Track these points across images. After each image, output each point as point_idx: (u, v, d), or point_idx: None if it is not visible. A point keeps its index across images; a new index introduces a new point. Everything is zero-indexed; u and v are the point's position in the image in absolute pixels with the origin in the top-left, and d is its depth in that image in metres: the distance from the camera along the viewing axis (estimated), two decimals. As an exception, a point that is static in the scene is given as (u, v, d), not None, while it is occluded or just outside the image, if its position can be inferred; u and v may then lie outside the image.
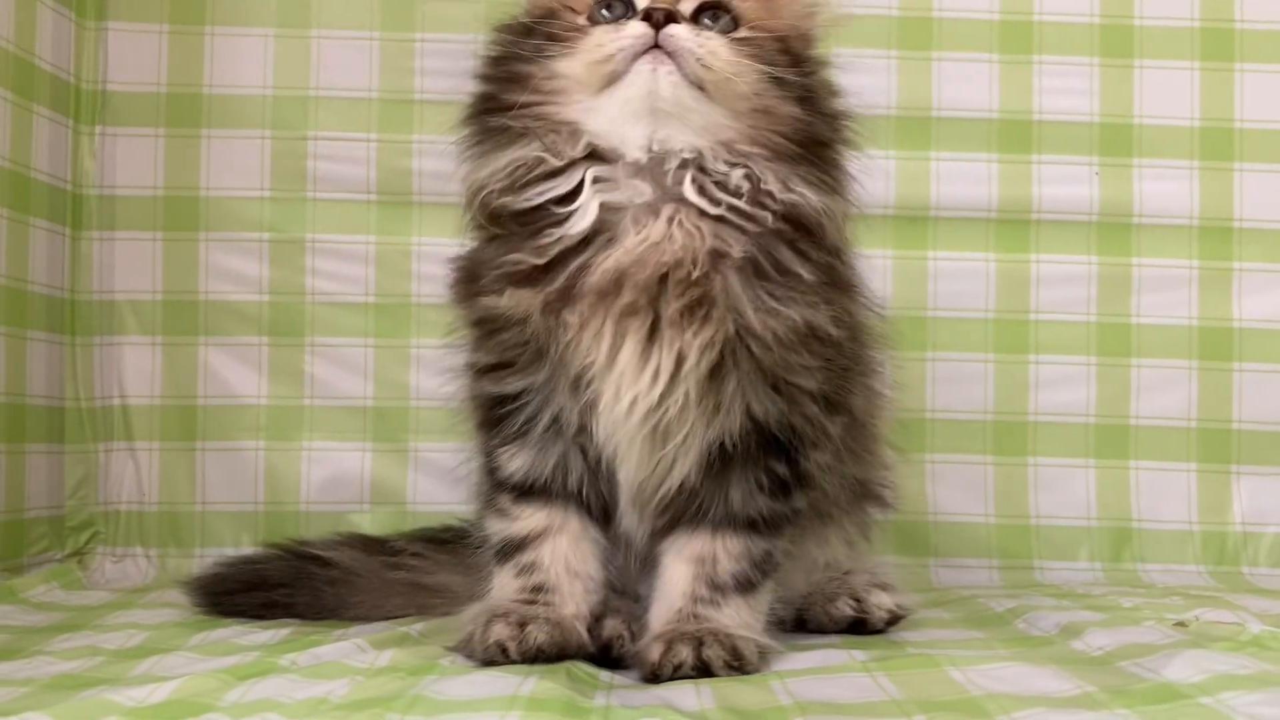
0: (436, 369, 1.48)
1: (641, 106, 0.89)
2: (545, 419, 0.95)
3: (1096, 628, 1.04)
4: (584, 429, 0.94)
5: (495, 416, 0.98)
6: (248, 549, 1.39)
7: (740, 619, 0.94)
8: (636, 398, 0.90)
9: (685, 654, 0.89)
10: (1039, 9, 1.58)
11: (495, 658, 0.91)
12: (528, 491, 0.98)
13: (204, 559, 1.48)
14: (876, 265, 1.53)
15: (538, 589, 0.96)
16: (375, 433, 1.53)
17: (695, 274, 0.87)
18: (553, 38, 0.93)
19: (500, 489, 0.99)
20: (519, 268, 0.90)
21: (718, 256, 0.88)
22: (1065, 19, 1.58)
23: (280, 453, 1.52)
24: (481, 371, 0.97)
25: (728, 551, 0.95)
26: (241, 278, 1.53)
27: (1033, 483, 1.55)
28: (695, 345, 0.89)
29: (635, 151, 0.90)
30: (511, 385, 0.95)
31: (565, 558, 0.97)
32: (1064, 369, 1.56)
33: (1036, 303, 1.56)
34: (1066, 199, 1.57)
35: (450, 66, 1.53)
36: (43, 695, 0.83)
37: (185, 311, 1.52)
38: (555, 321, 0.90)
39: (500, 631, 0.91)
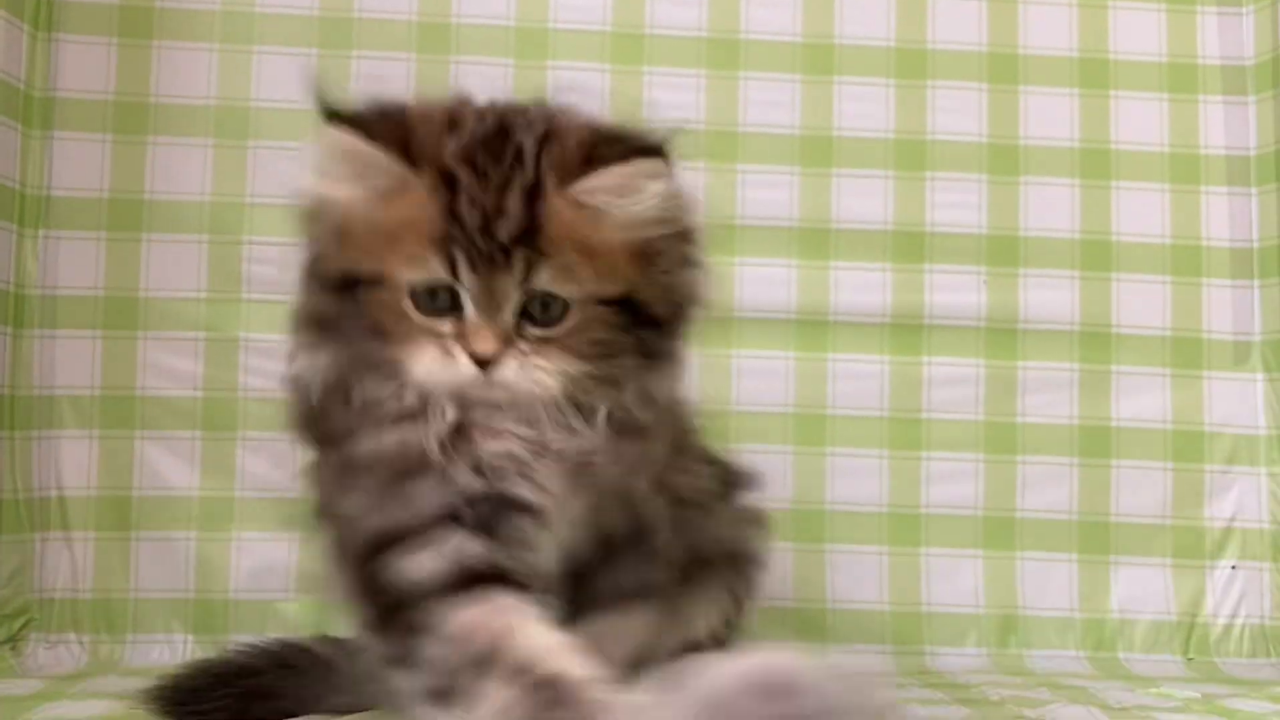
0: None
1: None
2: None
3: (957, 724, 1.14)
4: None
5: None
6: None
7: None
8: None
9: None
10: (931, 129, 1.70)
11: None
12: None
13: (135, 645, 1.55)
14: (778, 366, 1.65)
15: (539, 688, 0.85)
16: (302, 523, 1.59)
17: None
18: (373, 314, 0.90)
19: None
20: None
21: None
22: (956, 139, 1.70)
23: (211, 542, 1.58)
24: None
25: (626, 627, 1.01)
26: (177, 374, 1.60)
27: (924, 571, 1.65)
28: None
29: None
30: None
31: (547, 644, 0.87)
32: (954, 465, 1.67)
33: (928, 402, 1.67)
34: (956, 305, 1.68)
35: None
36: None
37: (122, 406, 1.60)
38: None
39: None
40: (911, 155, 1.69)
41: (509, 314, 0.88)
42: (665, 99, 1.67)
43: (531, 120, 0.92)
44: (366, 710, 1.15)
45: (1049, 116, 1.72)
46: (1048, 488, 1.67)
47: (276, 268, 1.61)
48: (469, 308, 0.88)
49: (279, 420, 1.60)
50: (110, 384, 1.60)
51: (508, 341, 0.88)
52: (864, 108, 1.70)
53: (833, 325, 1.67)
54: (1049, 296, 1.69)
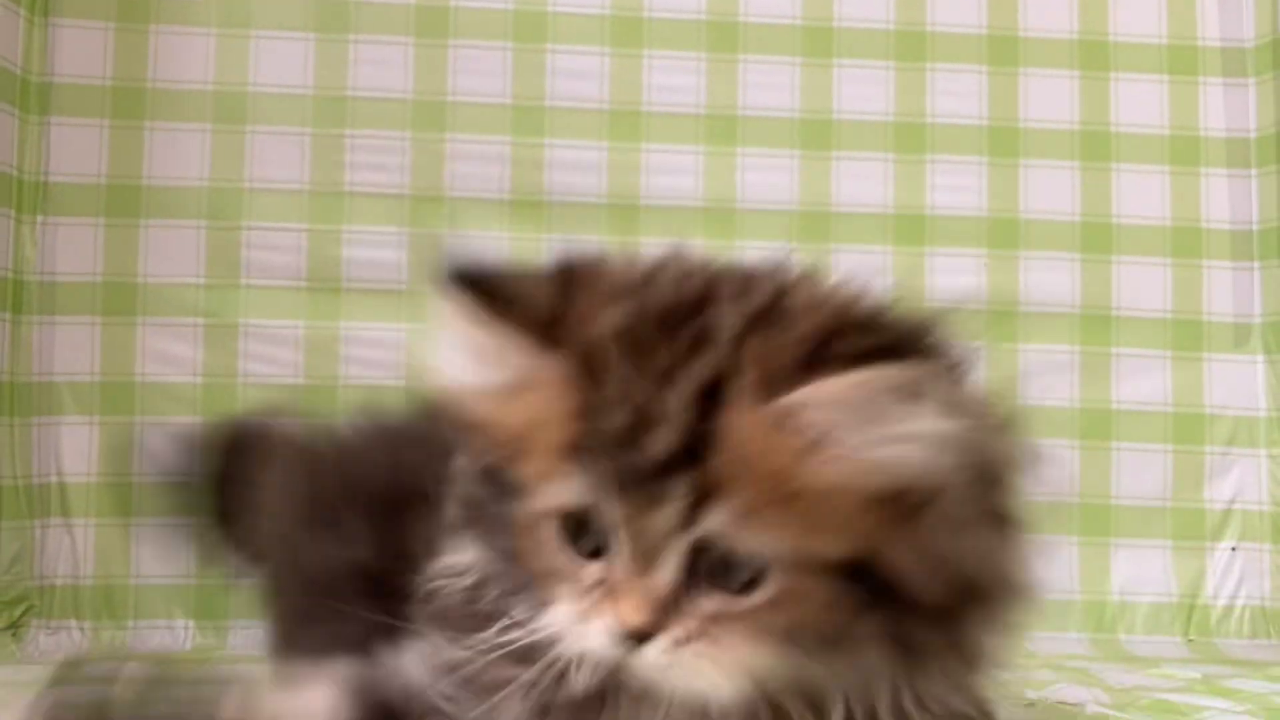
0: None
1: None
2: None
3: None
4: None
5: None
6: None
7: None
8: None
9: None
10: (930, 112, 1.70)
11: None
12: None
13: (136, 630, 1.55)
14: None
15: None
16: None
17: None
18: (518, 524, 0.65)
19: None
20: None
21: None
22: (956, 121, 1.70)
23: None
24: None
25: None
26: (176, 360, 1.60)
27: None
28: None
29: None
30: None
31: None
32: (955, 448, 1.66)
33: (930, 385, 1.66)
34: (957, 289, 1.67)
35: (380, 161, 1.64)
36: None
37: (122, 392, 1.59)
38: None
39: None
40: (911, 138, 1.69)
41: (669, 570, 0.60)
42: (664, 82, 1.67)
43: (750, 287, 0.65)
44: None
45: (1049, 98, 1.71)
46: (1049, 469, 1.66)
47: (276, 253, 1.62)
48: (620, 553, 0.60)
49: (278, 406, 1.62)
50: (110, 370, 1.59)
51: (664, 610, 0.60)
52: (863, 90, 1.69)
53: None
54: (1049, 279, 1.69)
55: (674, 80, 1.67)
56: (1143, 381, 1.69)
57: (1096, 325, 1.69)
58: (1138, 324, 1.70)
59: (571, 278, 0.66)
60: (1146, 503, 1.67)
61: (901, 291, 0.66)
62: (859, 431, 0.58)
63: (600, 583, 0.61)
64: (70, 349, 1.59)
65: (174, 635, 1.55)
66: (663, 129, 1.67)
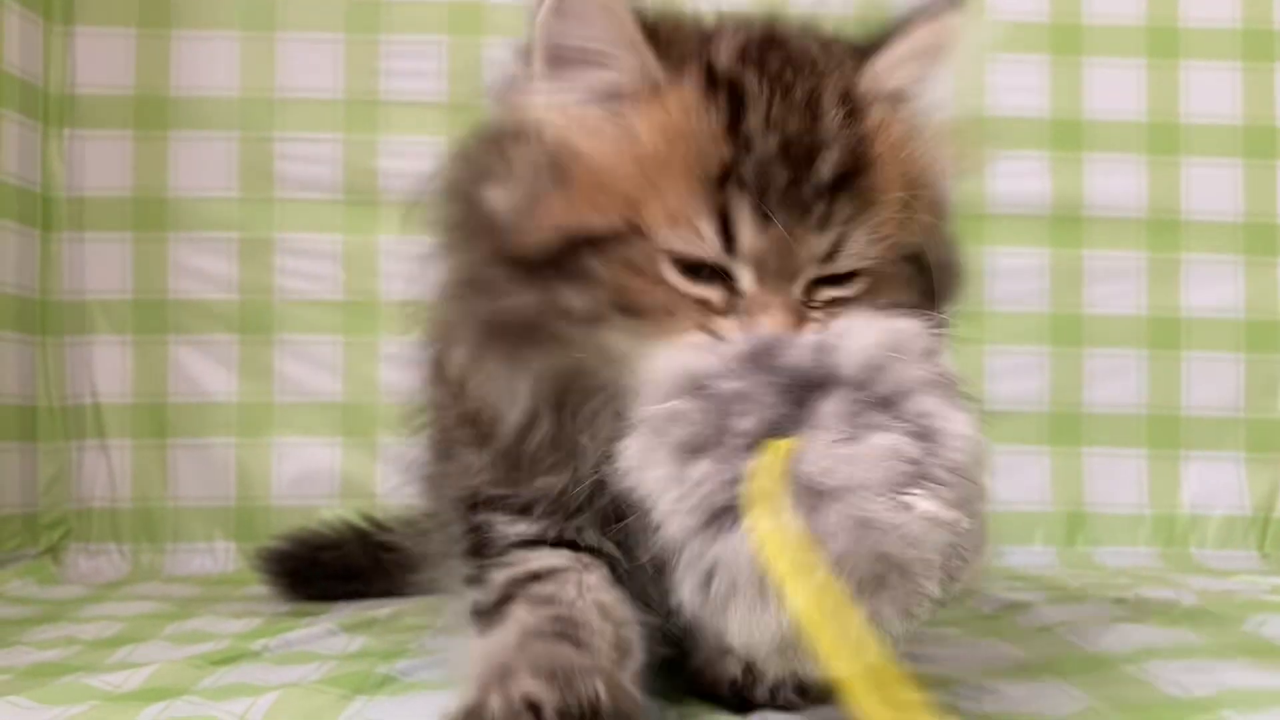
0: (405, 364, 1.53)
1: None
2: None
3: (1044, 605, 1.09)
4: None
5: None
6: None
7: None
8: None
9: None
10: (993, 8, 1.62)
11: None
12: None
13: (176, 554, 1.51)
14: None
15: (562, 621, 0.69)
16: (345, 427, 1.55)
17: None
18: (618, 291, 0.63)
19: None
20: None
21: None
22: (1019, 19, 1.62)
23: (251, 448, 1.54)
24: None
25: None
26: (211, 277, 1.55)
27: (989, 468, 1.59)
28: None
29: None
30: None
31: (598, 596, 0.72)
32: (1019, 359, 1.60)
33: (991, 294, 1.60)
34: (1019, 194, 1.61)
35: (415, 67, 1.58)
36: (22, 681, 0.86)
37: (155, 310, 1.54)
38: None
39: (527, 686, 0.63)
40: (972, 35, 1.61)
41: (801, 286, 0.63)
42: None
43: (797, 30, 0.69)
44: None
45: (1113, -8, 1.63)
46: (1115, 381, 1.61)
47: (310, 165, 1.56)
48: (745, 278, 0.62)
49: (317, 323, 1.56)
50: (142, 288, 1.54)
51: (800, 317, 0.62)
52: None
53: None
54: (1115, 182, 1.62)
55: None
56: (1213, 288, 1.62)
57: (1165, 230, 1.62)
58: (1207, 228, 1.62)
59: (661, 15, 0.65)
60: (1218, 413, 1.61)
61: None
62: (931, 75, 0.66)
63: (728, 307, 0.62)
64: (101, 266, 1.54)
65: (214, 558, 1.51)
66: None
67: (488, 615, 0.72)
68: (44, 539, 1.49)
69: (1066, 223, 1.61)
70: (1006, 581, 1.31)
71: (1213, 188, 1.63)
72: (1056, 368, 1.60)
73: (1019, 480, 1.59)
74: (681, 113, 0.61)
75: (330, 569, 1.25)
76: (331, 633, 1.02)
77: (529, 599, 0.71)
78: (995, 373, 1.60)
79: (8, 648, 1.00)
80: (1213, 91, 1.63)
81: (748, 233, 0.61)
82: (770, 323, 0.61)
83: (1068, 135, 1.62)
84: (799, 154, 0.60)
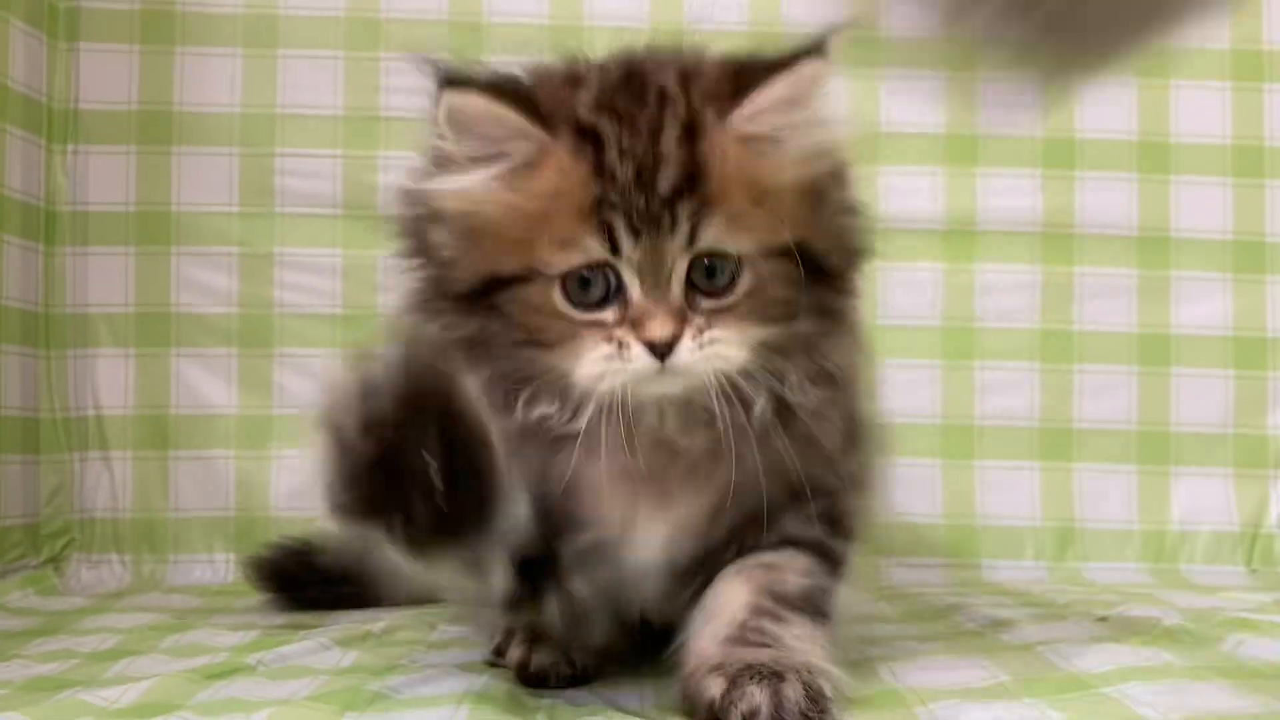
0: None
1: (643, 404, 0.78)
2: None
3: (1027, 622, 1.10)
4: None
5: None
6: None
7: (813, 646, 0.78)
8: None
9: (759, 697, 0.73)
10: (983, 28, 1.64)
11: None
12: None
13: (177, 564, 1.53)
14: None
15: None
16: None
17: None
18: (524, 326, 0.77)
19: None
20: None
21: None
22: (1009, 37, 1.64)
23: (250, 460, 1.56)
24: None
25: (792, 564, 0.83)
26: (212, 290, 1.57)
27: (979, 484, 1.61)
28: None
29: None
30: None
31: None
32: (1009, 374, 1.62)
33: (982, 310, 1.62)
34: (1011, 210, 1.62)
35: (415, 84, 1.59)
36: (19, 697, 0.87)
37: (157, 324, 1.56)
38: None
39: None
40: (963, 54, 1.63)
41: (678, 287, 0.75)
42: None
43: (661, 63, 0.79)
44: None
45: (1106, 12, 1.65)
46: (1106, 397, 1.62)
47: (310, 180, 1.58)
48: (633, 287, 0.75)
49: (316, 337, 1.58)
50: (144, 301, 1.57)
51: (682, 319, 0.75)
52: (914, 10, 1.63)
53: (882, 232, 1.60)
54: (1106, 199, 1.63)
55: None
56: (1203, 305, 1.63)
57: (1155, 247, 1.63)
58: (1197, 245, 1.64)
59: (523, 80, 0.78)
60: (1207, 429, 1.62)
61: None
62: (794, 122, 0.77)
63: (621, 319, 0.75)
64: (104, 280, 1.56)
65: (214, 569, 1.53)
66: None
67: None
68: (46, 549, 1.51)
69: (1057, 239, 1.63)
70: (994, 597, 1.32)
71: (1202, 206, 1.64)
72: (1047, 383, 1.62)
73: (1009, 495, 1.60)
74: (559, 172, 0.75)
75: (323, 573, 1.27)
76: (325, 647, 1.03)
77: None
78: (986, 388, 1.61)
79: (6, 661, 1.02)
80: (1203, 111, 1.65)
81: (626, 241, 0.74)
82: (655, 326, 0.74)
83: (1059, 153, 1.64)
84: (646, 176, 0.74)
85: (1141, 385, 1.63)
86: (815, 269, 0.78)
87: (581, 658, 0.90)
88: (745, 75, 0.77)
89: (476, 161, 0.76)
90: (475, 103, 0.75)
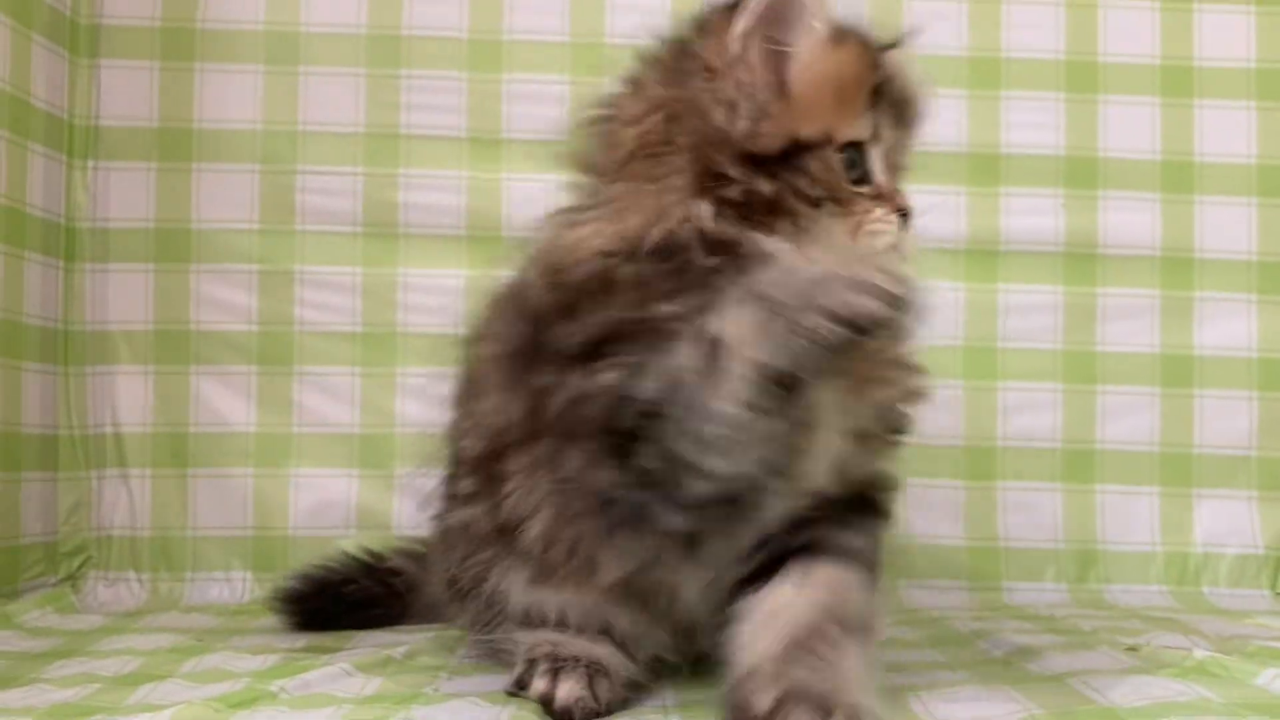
0: (422, 396, 1.55)
1: None
2: None
3: (1054, 651, 1.09)
4: None
5: None
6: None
7: (860, 680, 0.79)
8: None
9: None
10: (1005, 45, 1.63)
11: None
12: None
13: (194, 583, 1.53)
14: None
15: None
16: (361, 459, 1.56)
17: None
18: (823, 186, 0.86)
19: None
20: None
21: None
22: (1032, 56, 1.63)
23: (269, 479, 1.55)
24: None
25: (851, 584, 0.85)
26: (231, 308, 1.57)
27: (1001, 506, 1.60)
28: None
29: None
30: None
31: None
32: (1031, 395, 1.61)
33: (1004, 331, 1.61)
34: (1033, 230, 1.61)
35: (435, 102, 1.60)
36: (43, 725, 0.87)
37: (177, 341, 1.56)
38: None
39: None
40: (986, 73, 1.63)
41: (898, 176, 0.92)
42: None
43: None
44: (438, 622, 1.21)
45: (1129, 30, 1.64)
46: (1128, 418, 1.61)
47: (331, 197, 1.58)
48: (878, 169, 0.88)
49: (335, 355, 1.58)
50: (164, 318, 1.56)
51: (905, 199, 0.90)
52: (935, 25, 1.63)
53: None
54: (1129, 220, 1.63)
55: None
56: (1226, 326, 1.62)
57: (1178, 267, 1.62)
58: (1221, 266, 1.63)
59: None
60: (1231, 452, 1.61)
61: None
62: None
63: (875, 195, 0.87)
64: (124, 297, 1.56)
65: (232, 588, 1.52)
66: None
67: None
68: (64, 567, 1.51)
69: (1080, 260, 1.62)
70: (1017, 622, 1.31)
71: (1226, 226, 1.63)
72: (1069, 405, 1.61)
73: (1031, 516, 1.59)
74: (856, 50, 0.88)
75: (349, 600, 1.29)
76: (347, 673, 1.02)
77: None
78: (1008, 408, 1.60)
79: (27, 685, 1.01)
80: (1227, 130, 1.64)
81: (887, 127, 0.89)
82: (903, 198, 0.89)
83: (1082, 172, 1.63)
84: (909, 106, 0.91)
85: (1164, 406, 1.62)
86: None
87: (607, 691, 0.90)
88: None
89: (801, 22, 0.86)
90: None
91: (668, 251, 0.82)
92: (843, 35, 0.88)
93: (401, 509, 1.55)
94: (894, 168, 0.90)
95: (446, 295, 1.57)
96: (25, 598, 1.40)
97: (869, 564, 0.87)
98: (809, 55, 0.86)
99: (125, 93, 1.57)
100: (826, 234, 0.85)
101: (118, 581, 1.52)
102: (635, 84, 0.92)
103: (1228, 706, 0.85)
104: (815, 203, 0.85)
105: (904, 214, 0.89)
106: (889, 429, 0.89)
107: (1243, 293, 1.63)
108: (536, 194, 1.55)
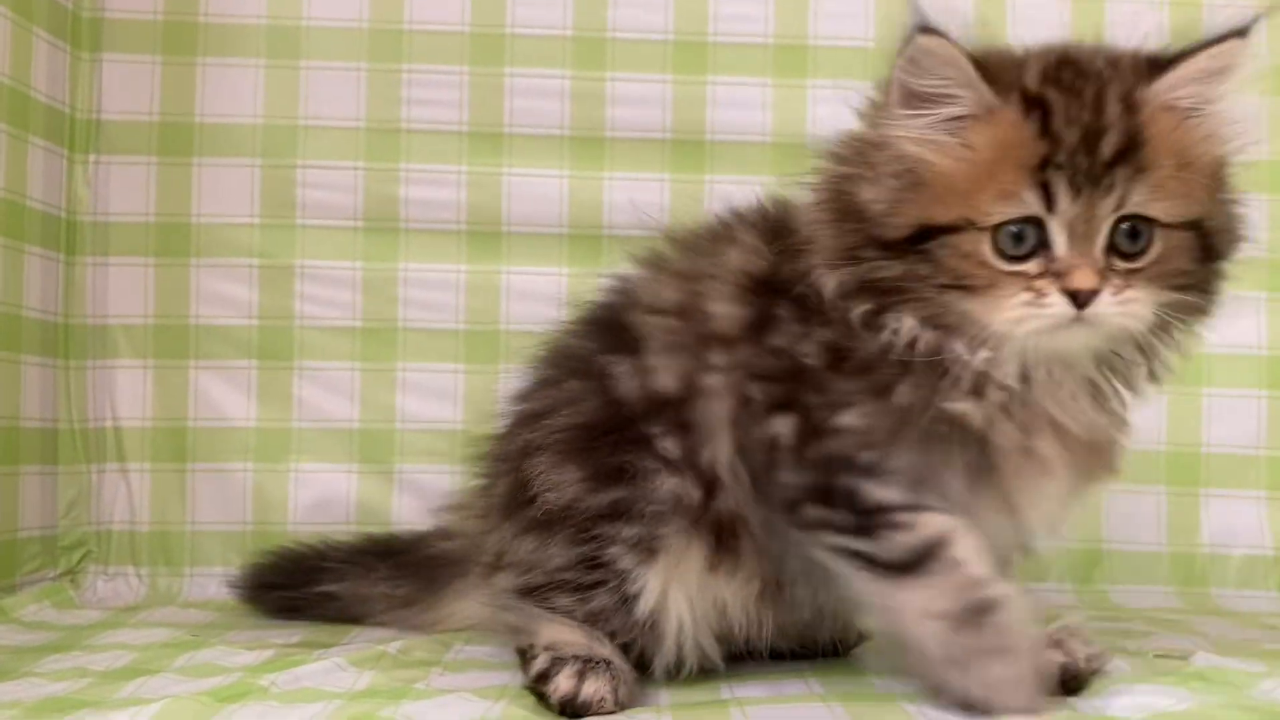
0: (422, 392, 1.54)
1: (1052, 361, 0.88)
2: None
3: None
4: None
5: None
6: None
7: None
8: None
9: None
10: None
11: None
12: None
13: (193, 578, 1.52)
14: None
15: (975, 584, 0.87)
16: (361, 455, 1.56)
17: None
18: (952, 272, 0.84)
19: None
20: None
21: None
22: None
23: (268, 474, 1.55)
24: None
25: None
26: (231, 302, 1.56)
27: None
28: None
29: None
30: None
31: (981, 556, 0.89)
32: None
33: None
34: None
35: (437, 96, 1.59)
36: (28, 719, 0.86)
37: (176, 335, 1.56)
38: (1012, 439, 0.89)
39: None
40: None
41: (1100, 246, 0.83)
42: (732, 11, 1.60)
43: (1088, 50, 0.88)
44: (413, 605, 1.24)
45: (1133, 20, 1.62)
46: (1135, 417, 1.58)
47: (331, 192, 1.57)
48: (1059, 242, 0.83)
49: (335, 350, 1.57)
50: (164, 312, 1.56)
51: (1103, 275, 0.82)
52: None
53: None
54: (1137, 217, 1.61)
55: (742, 9, 1.60)
56: (1235, 324, 1.59)
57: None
58: (1230, 264, 1.60)
59: (979, 52, 0.85)
60: (1239, 451, 1.59)
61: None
62: (1213, 93, 0.85)
63: (1044, 271, 0.83)
64: (124, 291, 1.56)
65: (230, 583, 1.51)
66: (729, 61, 1.60)
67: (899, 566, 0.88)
68: (63, 561, 1.51)
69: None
70: (1020, 623, 1.29)
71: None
72: (1075, 403, 1.59)
73: (1036, 516, 1.57)
74: (1008, 127, 0.83)
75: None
76: (340, 668, 1.02)
77: (942, 566, 0.87)
78: (1013, 407, 1.58)
79: (18, 679, 1.01)
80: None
81: (1064, 197, 0.82)
82: (1079, 277, 0.82)
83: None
84: (1090, 140, 0.82)
85: (1171, 405, 1.60)
86: (1209, 249, 0.87)
87: (626, 691, 0.91)
88: (1166, 56, 0.86)
89: (929, 101, 0.84)
90: (943, 48, 0.82)
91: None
92: (990, 110, 0.84)
93: (401, 504, 1.54)
94: (1091, 231, 0.83)
95: (447, 290, 1.56)
96: (23, 591, 1.40)
97: None
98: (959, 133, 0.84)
99: (126, 87, 1.57)
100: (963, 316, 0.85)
101: (116, 576, 1.52)
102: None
103: (1228, 715, 0.84)
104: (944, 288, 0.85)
105: (1075, 297, 0.82)
106: None
107: (1252, 290, 1.61)
108: (537, 189, 1.58)
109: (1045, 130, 0.82)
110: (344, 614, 1.28)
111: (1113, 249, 0.83)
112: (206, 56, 1.57)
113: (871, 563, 0.89)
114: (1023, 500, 0.91)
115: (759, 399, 0.93)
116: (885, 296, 0.86)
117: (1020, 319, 0.83)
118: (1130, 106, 0.83)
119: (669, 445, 0.95)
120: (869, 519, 0.89)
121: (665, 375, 0.96)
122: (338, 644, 1.16)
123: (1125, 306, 0.83)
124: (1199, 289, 0.88)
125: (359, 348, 1.56)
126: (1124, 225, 0.83)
